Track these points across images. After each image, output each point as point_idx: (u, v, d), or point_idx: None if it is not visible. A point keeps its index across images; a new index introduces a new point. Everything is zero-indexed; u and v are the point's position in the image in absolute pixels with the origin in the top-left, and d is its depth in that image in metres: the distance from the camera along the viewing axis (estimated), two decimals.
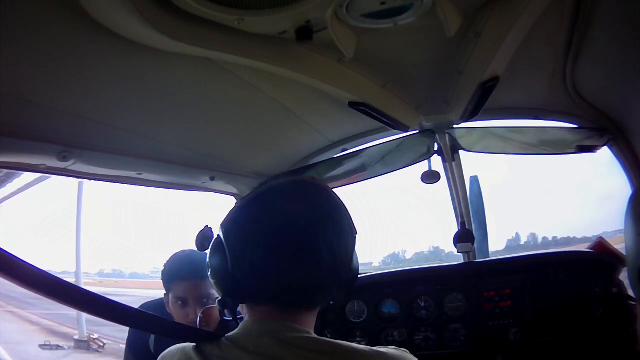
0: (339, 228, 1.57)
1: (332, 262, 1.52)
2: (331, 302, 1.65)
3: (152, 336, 2.90)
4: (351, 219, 1.62)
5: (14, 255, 1.27)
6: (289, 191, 1.62)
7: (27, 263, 1.29)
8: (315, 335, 1.50)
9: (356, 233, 1.63)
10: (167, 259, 3.10)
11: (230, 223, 1.60)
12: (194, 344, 1.57)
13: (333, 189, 1.67)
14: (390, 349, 1.53)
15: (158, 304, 3.14)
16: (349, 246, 1.59)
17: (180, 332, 1.69)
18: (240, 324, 1.56)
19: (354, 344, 1.48)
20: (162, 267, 3.10)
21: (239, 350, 1.47)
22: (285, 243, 1.50)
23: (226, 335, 1.54)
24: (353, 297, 3.55)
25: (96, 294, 1.47)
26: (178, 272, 3.00)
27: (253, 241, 1.52)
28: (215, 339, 1.55)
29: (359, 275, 1.70)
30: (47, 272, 1.33)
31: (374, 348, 1.50)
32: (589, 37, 2.19)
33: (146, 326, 1.80)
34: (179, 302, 2.96)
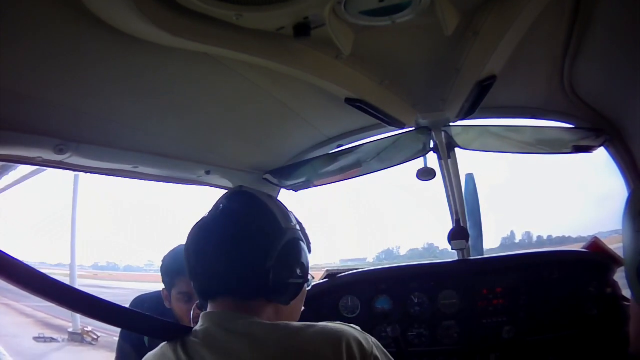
0: (257, 225, 1.71)
1: (250, 254, 1.66)
2: (282, 298, 1.72)
3: None
4: (280, 218, 1.75)
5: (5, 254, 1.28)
6: (221, 201, 1.81)
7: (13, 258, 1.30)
8: (260, 320, 1.61)
9: (290, 230, 1.75)
10: (167, 254, 3.09)
11: (185, 241, 1.78)
12: (173, 341, 1.67)
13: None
14: (336, 324, 1.62)
15: (153, 297, 3.16)
16: (271, 242, 1.68)
17: (156, 329, 1.73)
18: (200, 317, 1.69)
19: (301, 324, 1.60)
20: (160, 262, 3.10)
21: (196, 342, 1.60)
22: (209, 242, 1.71)
23: (192, 329, 1.66)
24: (347, 292, 3.56)
25: (81, 291, 1.48)
26: (182, 267, 2.96)
27: (194, 250, 1.74)
28: (187, 334, 1.66)
29: (308, 272, 1.81)
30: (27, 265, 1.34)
31: (321, 323, 1.61)
32: (588, 38, 2.19)
33: (129, 325, 1.81)
34: (185, 297, 2.96)
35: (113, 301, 1.59)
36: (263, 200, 1.78)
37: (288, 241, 1.71)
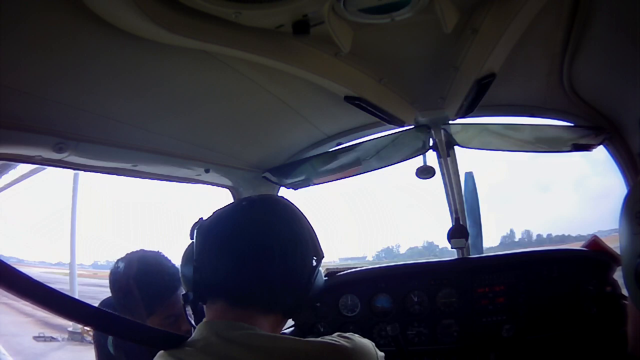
0: (296, 240, 1.67)
1: (283, 268, 1.61)
2: (290, 313, 1.72)
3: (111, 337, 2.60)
4: (316, 241, 1.73)
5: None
6: (257, 202, 1.77)
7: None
8: (261, 332, 1.56)
9: (322, 256, 1.73)
10: (131, 269, 2.62)
11: (202, 228, 1.70)
12: (167, 350, 1.60)
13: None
14: (337, 340, 1.57)
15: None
16: (307, 262, 1.67)
17: (153, 338, 1.68)
18: (197, 327, 1.63)
19: (300, 340, 1.54)
20: (116, 282, 2.64)
21: (194, 351, 1.53)
22: (238, 243, 1.62)
23: (188, 339, 1.60)
24: (346, 291, 3.56)
25: (78, 300, 1.47)
26: (170, 286, 2.59)
27: (214, 241, 1.65)
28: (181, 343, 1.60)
29: (320, 294, 1.77)
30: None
31: (320, 339, 1.56)
32: (587, 36, 2.19)
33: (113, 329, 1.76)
34: (172, 319, 2.58)
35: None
36: (308, 220, 1.76)
37: (318, 263, 1.70)
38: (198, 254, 1.66)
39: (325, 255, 1.74)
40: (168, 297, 2.56)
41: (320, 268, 1.71)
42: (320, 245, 1.73)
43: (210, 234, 1.67)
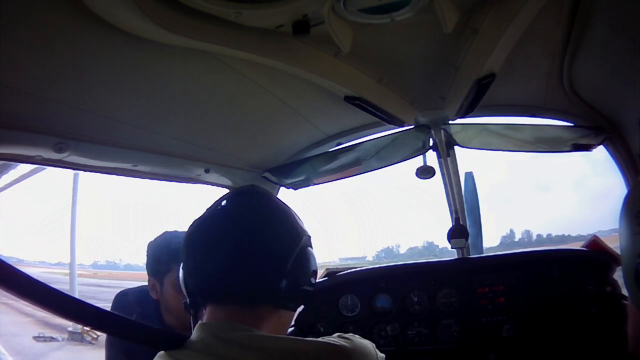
0: (273, 225, 1.66)
1: (266, 258, 1.61)
2: (285, 302, 1.68)
3: None
4: (295, 224, 1.71)
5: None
6: (230, 200, 1.76)
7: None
8: (260, 332, 1.55)
9: (306, 235, 1.71)
10: (155, 240, 2.97)
11: (186, 233, 1.72)
12: (167, 351, 1.60)
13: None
14: (337, 340, 1.56)
15: (136, 291, 3.09)
16: (292, 244, 1.66)
17: (153, 338, 1.67)
18: (195, 328, 1.62)
19: (300, 340, 1.55)
20: (146, 250, 2.98)
21: (193, 352, 1.53)
22: (216, 244, 1.63)
23: (187, 340, 1.59)
24: (346, 291, 3.56)
25: (78, 299, 1.47)
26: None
27: (195, 246, 1.68)
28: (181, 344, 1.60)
29: (317, 279, 1.77)
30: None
31: (320, 339, 1.56)
32: (587, 36, 2.19)
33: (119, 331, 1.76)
34: None
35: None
36: (281, 202, 1.75)
37: (303, 247, 1.67)
38: (185, 259, 1.69)
39: (311, 235, 1.74)
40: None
41: (309, 248, 1.71)
42: (301, 224, 1.73)
43: (192, 239, 1.69)
